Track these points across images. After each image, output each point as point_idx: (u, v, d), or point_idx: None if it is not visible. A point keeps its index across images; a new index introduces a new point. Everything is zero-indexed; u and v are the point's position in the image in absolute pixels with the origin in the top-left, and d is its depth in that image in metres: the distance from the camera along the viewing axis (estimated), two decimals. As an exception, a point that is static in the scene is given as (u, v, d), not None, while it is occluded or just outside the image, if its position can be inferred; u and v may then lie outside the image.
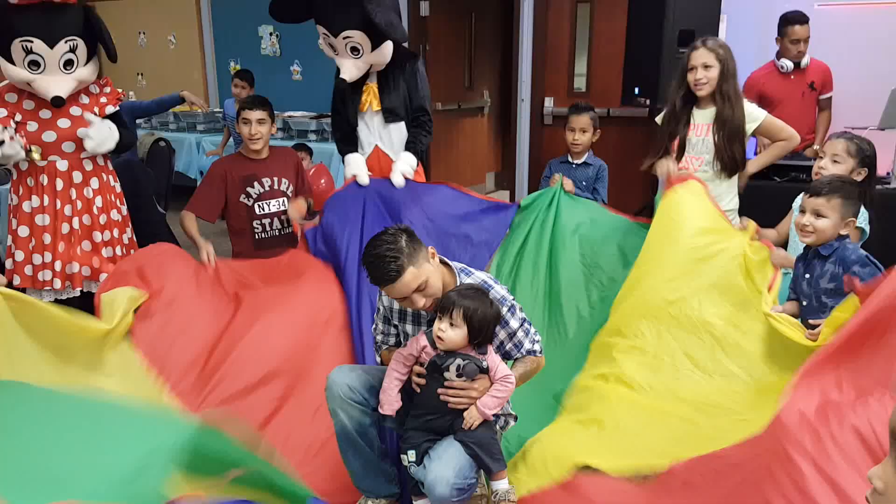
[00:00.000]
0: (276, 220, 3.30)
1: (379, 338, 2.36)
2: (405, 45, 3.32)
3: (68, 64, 2.92)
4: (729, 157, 2.96)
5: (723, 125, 2.94)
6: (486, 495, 2.20)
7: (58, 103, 2.89)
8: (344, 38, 3.10)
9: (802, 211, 2.34)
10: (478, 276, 2.21)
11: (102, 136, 2.98)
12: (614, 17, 5.29)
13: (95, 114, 3.06)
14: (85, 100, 3.07)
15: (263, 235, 3.27)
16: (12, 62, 2.86)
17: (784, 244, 2.80)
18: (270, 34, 6.89)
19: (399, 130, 3.32)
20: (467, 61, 7.01)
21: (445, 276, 2.16)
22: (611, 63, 5.30)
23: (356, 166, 3.24)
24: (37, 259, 3.00)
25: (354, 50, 3.13)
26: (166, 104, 4.74)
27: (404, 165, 3.22)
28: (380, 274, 2.01)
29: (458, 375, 2.04)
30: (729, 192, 3.08)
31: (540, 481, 2.20)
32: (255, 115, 3.18)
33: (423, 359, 2.10)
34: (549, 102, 5.85)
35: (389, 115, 3.28)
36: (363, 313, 2.80)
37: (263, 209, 3.26)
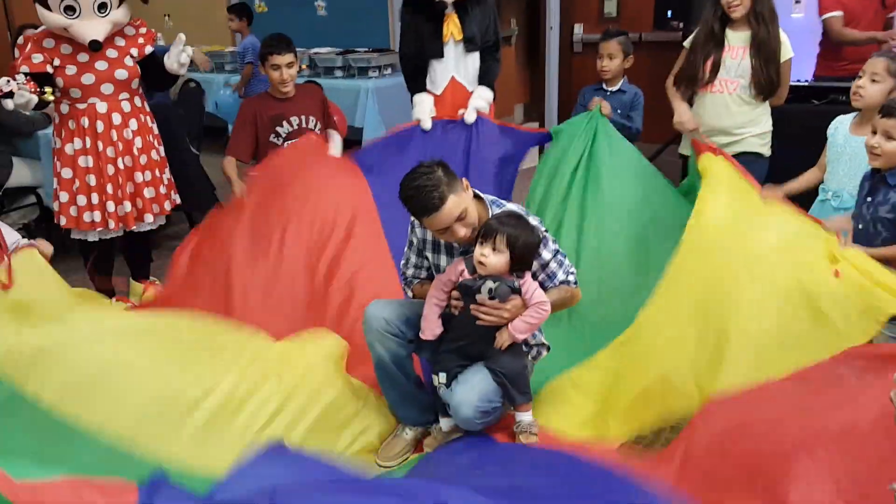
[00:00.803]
0: (305, 158, 3.32)
1: (410, 272, 2.41)
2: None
3: (102, 7, 2.95)
4: (766, 80, 2.93)
5: (758, 47, 2.90)
6: (513, 429, 2.26)
7: (95, 47, 2.94)
8: None
9: (873, 132, 2.26)
10: (509, 208, 2.23)
11: (178, 56, 3.05)
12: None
13: (134, 55, 3.11)
14: (121, 42, 3.11)
15: (295, 173, 3.31)
16: (48, 8, 2.90)
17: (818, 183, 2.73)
18: (294, -31, 6.79)
19: (474, 60, 3.36)
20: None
21: (478, 208, 2.19)
22: (642, -14, 5.15)
23: (423, 110, 3.28)
24: (81, 200, 3.10)
25: None
26: None
27: (480, 101, 3.28)
28: (422, 204, 2.04)
29: (491, 298, 2.08)
30: (763, 114, 3.06)
31: (561, 425, 2.25)
32: (286, 59, 3.18)
33: None
34: (578, 29, 5.72)
35: (469, 45, 3.30)
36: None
37: (294, 148, 3.29)
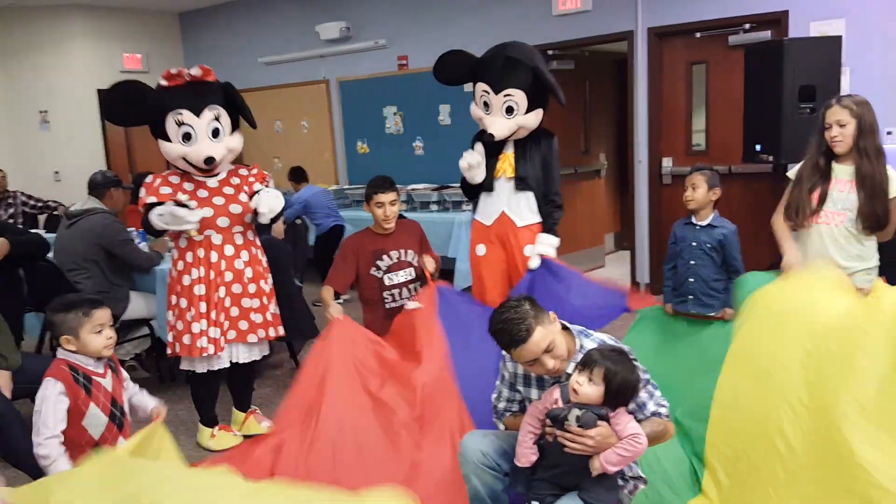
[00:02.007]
0: (404, 289, 3.46)
1: (501, 405, 2.43)
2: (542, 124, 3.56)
3: (216, 133, 3.28)
4: (871, 214, 2.88)
5: (863, 181, 2.88)
6: None
7: (209, 162, 3.23)
8: (505, 96, 3.36)
9: None
10: (598, 338, 2.25)
11: (272, 203, 3.25)
12: (731, 75, 5.26)
13: (246, 192, 3.38)
14: (236, 180, 3.40)
15: (393, 305, 3.44)
16: (169, 140, 3.24)
17: None
18: (394, 114, 7.31)
19: (527, 199, 3.50)
20: (583, 125, 7.13)
21: (566, 339, 2.22)
22: (729, 120, 5.24)
23: (475, 161, 3.48)
24: (195, 328, 3.29)
25: (510, 110, 3.39)
26: None
27: (545, 247, 3.43)
28: (510, 336, 2.09)
29: (578, 425, 2.07)
30: (871, 249, 2.97)
31: None
32: (389, 197, 3.40)
33: None
34: (667, 162, 5.83)
35: (521, 184, 3.47)
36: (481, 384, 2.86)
37: (392, 280, 3.44)
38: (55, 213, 6.41)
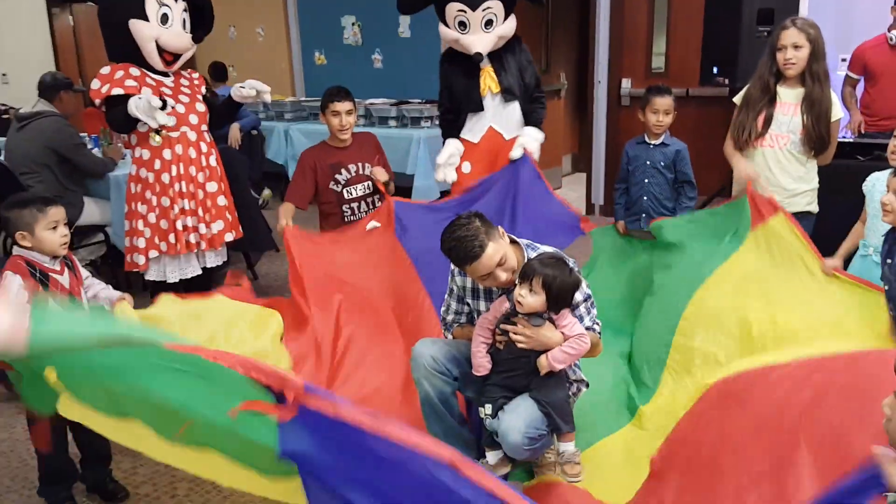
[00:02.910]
0: (362, 202, 3.49)
1: (450, 317, 2.53)
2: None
3: (183, 25, 3.23)
4: (817, 137, 2.95)
5: (811, 105, 2.93)
6: (557, 462, 2.34)
7: (176, 57, 3.24)
8: (483, 10, 3.28)
9: (888, 189, 2.33)
10: (543, 250, 2.34)
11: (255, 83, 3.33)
12: (693, -3, 5.26)
13: (200, 99, 3.38)
14: (186, 83, 3.37)
15: (352, 218, 3.47)
16: (146, 19, 3.14)
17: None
18: (353, 24, 7.13)
19: (514, 110, 3.48)
20: (544, 45, 7.06)
21: (515, 252, 2.31)
22: (689, 43, 5.28)
23: (443, 156, 3.47)
24: (179, 225, 3.26)
25: (488, 23, 3.31)
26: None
27: (529, 139, 3.40)
28: (464, 253, 2.16)
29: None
30: (812, 171, 3.07)
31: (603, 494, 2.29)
32: (345, 106, 3.37)
33: None
34: (626, 83, 5.86)
35: (507, 95, 3.44)
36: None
37: (351, 194, 3.46)
38: (4, 116, 6.18)
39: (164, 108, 3.06)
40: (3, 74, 7.61)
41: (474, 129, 3.51)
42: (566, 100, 7.54)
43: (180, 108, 3.24)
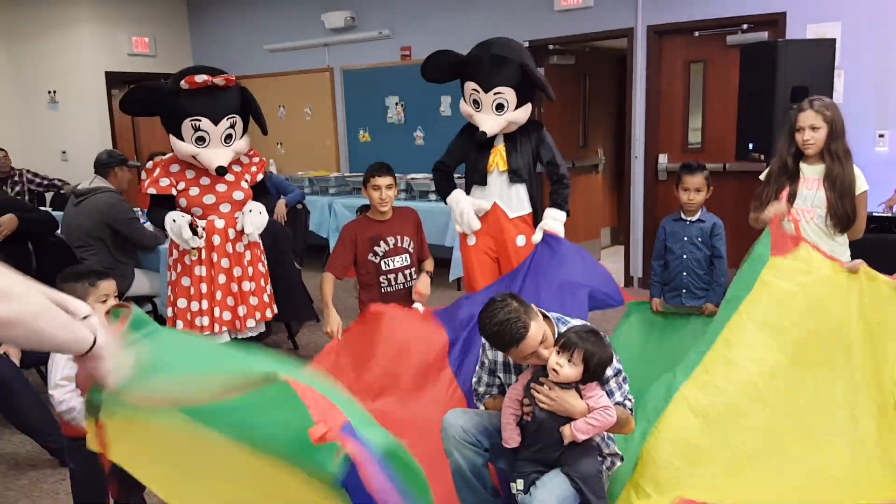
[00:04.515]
0: (399, 274, 3.56)
1: (482, 389, 2.55)
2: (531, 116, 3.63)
3: (228, 138, 3.37)
4: (842, 213, 2.97)
5: (833, 183, 2.97)
6: None
7: (221, 172, 3.34)
8: (494, 94, 3.43)
9: None
10: (573, 323, 2.36)
11: (257, 222, 3.44)
12: (728, 74, 5.36)
13: (248, 180, 3.51)
14: (237, 168, 3.51)
15: (389, 289, 3.54)
16: (181, 139, 3.33)
17: None
18: (396, 104, 7.40)
19: (520, 191, 3.59)
20: (581, 121, 7.22)
21: (548, 327, 2.32)
22: (725, 118, 5.34)
23: (464, 209, 3.57)
24: (195, 306, 3.41)
25: (500, 107, 3.46)
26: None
27: (553, 222, 3.47)
28: (509, 337, 2.16)
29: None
30: (842, 247, 3.06)
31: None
32: (385, 181, 3.48)
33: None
34: (663, 159, 5.93)
35: (514, 176, 3.56)
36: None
37: (389, 265, 3.54)
38: (61, 191, 6.52)
39: (195, 232, 3.29)
40: (63, 152, 8.05)
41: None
42: (604, 174, 7.63)
43: (210, 199, 3.39)
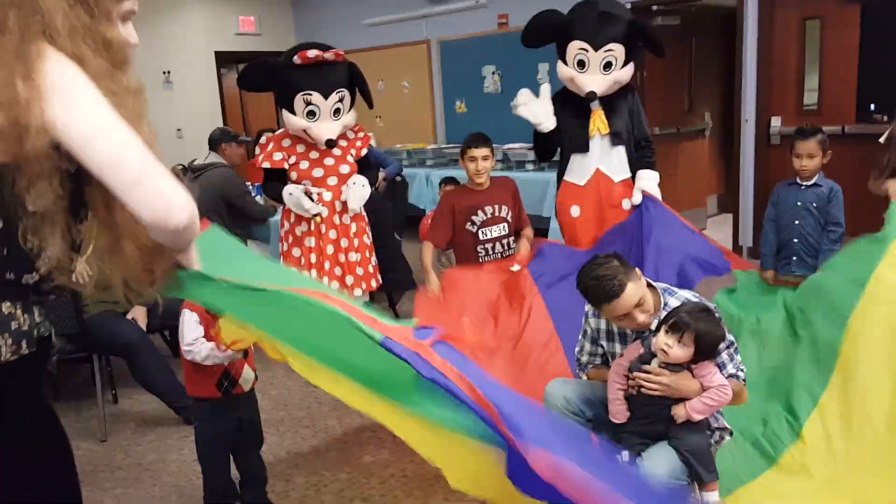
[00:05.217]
0: (497, 244, 3.57)
1: (585, 358, 2.53)
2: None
3: (336, 112, 3.47)
4: None
5: None
6: None
7: (330, 145, 3.45)
8: (605, 52, 3.36)
9: None
10: (682, 295, 2.30)
11: (360, 194, 3.53)
12: (846, 31, 5.00)
13: (353, 154, 3.60)
14: (343, 143, 3.61)
15: (486, 258, 3.56)
16: (293, 112, 3.44)
17: None
18: (492, 73, 7.36)
19: (620, 154, 3.52)
20: (687, 84, 6.94)
21: (652, 296, 2.28)
22: (844, 78, 5.01)
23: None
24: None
25: (607, 66, 3.39)
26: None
27: (647, 182, 3.42)
28: (603, 292, 2.16)
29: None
30: None
31: None
32: (481, 152, 3.49)
33: None
34: (776, 122, 5.63)
35: (615, 139, 3.49)
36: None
37: (486, 235, 3.56)
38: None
39: (311, 198, 3.40)
40: (179, 129, 8.49)
41: (580, 171, 3.54)
42: (711, 139, 7.33)
43: (319, 173, 3.50)
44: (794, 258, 3.34)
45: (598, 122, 3.49)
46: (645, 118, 3.60)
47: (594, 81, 3.39)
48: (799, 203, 3.33)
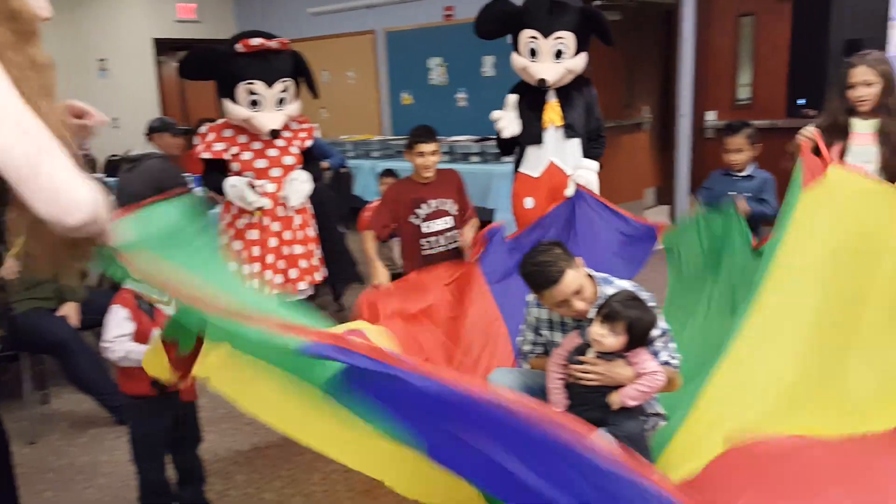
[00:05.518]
0: (441, 237, 3.58)
1: (527, 347, 2.57)
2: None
3: (280, 102, 3.41)
4: (895, 169, 2.89)
5: (887, 137, 2.90)
6: None
7: (274, 135, 3.39)
8: (555, 39, 3.38)
9: None
10: (619, 284, 2.36)
11: (301, 190, 3.47)
12: (778, 28, 5.17)
13: (297, 146, 3.55)
14: (287, 133, 3.54)
15: (430, 252, 3.57)
16: (236, 102, 3.36)
17: None
18: (438, 65, 7.36)
19: (575, 146, 3.55)
20: (627, 80, 7.07)
21: (590, 285, 2.33)
22: (776, 74, 5.18)
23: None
24: (246, 269, 3.48)
25: (559, 54, 3.41)
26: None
27: (585, 172, 3.47)
28: (542, 279, 2.22)
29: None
30: None
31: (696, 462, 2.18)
32: (429, 147, 3.47)
33: None
34: (711, 116, 5.79)
35: (570, 131, 3.52)
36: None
37: (430, 228, 3.56)
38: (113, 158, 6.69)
39: (254, 188, 3.33)
40: (115, 119, 8.24)
41: (535, 162, 3.58)
42: (649, 133, 7.49)
43: (262, 164, 3.42)
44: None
45: (552, 113, 3.51)
46: (600, 112, 3.64)
47: (546, 69, 3.41)
48: (732, 193, 3.43)
